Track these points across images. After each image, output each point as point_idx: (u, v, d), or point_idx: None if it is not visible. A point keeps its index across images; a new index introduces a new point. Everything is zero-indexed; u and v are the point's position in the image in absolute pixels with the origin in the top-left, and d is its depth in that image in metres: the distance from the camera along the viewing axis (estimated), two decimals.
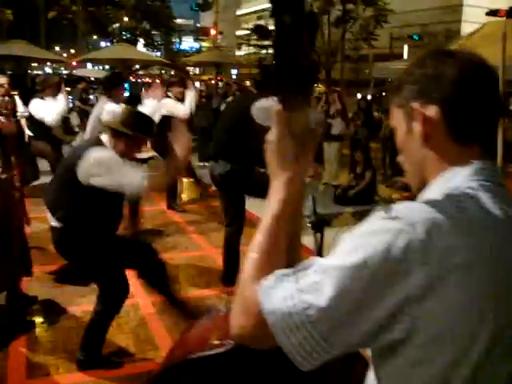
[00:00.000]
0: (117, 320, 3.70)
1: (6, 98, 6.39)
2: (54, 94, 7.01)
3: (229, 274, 4.68)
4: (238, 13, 67.46)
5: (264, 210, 1.08)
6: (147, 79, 23.04)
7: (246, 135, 4.58)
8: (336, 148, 9.13)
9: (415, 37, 31.91)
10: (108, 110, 5.26)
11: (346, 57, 20.54)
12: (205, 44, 48.62)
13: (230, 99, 9.20)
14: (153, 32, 28.78)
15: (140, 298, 4.45)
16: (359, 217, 7.56)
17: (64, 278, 4.92)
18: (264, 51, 40.91)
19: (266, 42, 41.43)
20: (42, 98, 7.10)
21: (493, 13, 25.13)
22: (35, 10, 23.27)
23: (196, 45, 52.79)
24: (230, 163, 4.62)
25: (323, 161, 9.47)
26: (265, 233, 1.05)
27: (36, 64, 27.00)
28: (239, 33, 52.31)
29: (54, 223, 3.26)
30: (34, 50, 14.65)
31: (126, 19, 26.28)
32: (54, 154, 7.06)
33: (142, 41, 27.41)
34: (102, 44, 47.90)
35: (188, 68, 33.15)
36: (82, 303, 4.42)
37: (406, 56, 36.42)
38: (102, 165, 3.03)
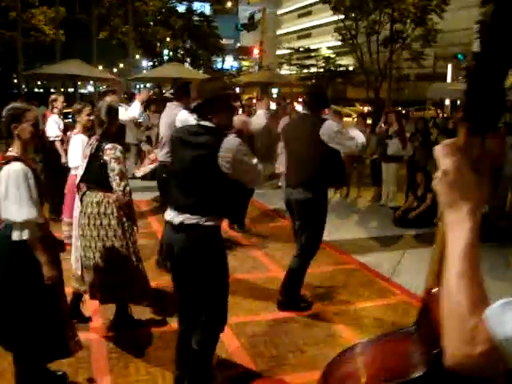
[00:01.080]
0: None
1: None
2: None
3: (288, 299, 4.68)
4: (278, 32, 68.13)
5: (450, 243, 1.06)
6: None
7: (321, 161, 4.59)
8: (394, 169, 8.99)
9: (460, 56, 31.57)
10: (181, 118, 5.36)
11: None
12: (245, 63, 49.07)
13: (287, 120, 9.14)
14: (199, 52, 29.20)
15: None
16: (421, 239, 7.41)
17: None
18: (305, 70, 41.19)
19: (308, 62, 41.77)
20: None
21: None
22: (86, 30, 24.01)
23: (236, 64, 53.29)
24: (310, 191, 4.61)
25: (381, 182, 9.37)
26: (469, 263, 1.04)
27: (79, 82, 27.74)
28: (280, 52, 52.75)
29: (190, 220, 3.05)
30: (91, 69, 15.04)
31: (168, 39, 26.84)
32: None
33: (188, 60, 27.84)
34: (144, 63, 49.03)
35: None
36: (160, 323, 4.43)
37: (449, 76, 36.12)
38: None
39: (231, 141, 2.96)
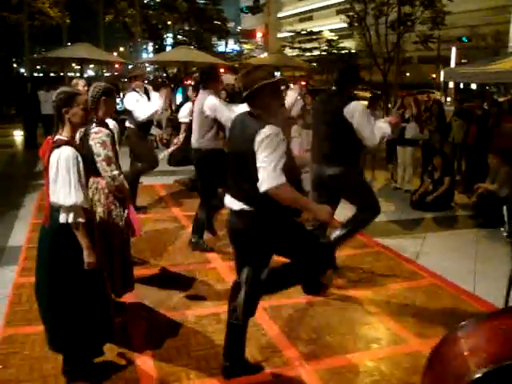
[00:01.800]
0: None
1: None
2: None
3: None
4: (279, 15, 67.52)
5: None
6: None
7: (347, 136, 4.70)
8: (410, 153, 8.98)
9: (464, 39, 31.40)
10: (209, 103, 5.35)
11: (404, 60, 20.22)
12: (247, 46, 48.79)
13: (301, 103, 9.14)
14: (204, 35, 28.98)
15: None
16: (439, 223, 7.44)
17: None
18: (308, 53, 40.93)
19: (309, 45, 41.51)
20: (134, 90, 7.14)
21: None
22: (91, 13, 23.74)
23: (237, 47, 52.90)
24: (341, 165, 4.71)
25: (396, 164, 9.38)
26: None
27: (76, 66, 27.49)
28: (281, 35, 52.37)
29: (243, 206, 3.14)
30: (100, 53, 14.94)
31: (171, 22, 26.61)
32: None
33: (192, 43, 27.62)
34: (145, 47, 48.58)
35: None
36: (194, 307, 4.46)
37: (453, 58, 35.92)
38: None
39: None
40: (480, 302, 4.73)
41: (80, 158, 3.05)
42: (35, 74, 49.82)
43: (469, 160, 9.30)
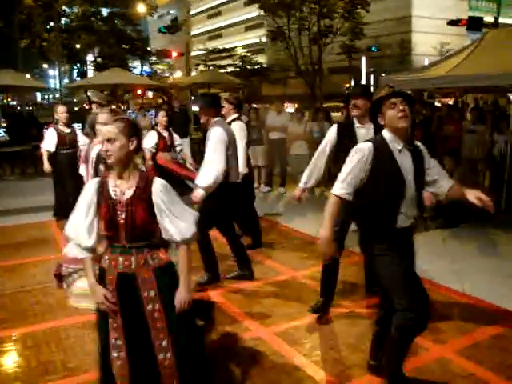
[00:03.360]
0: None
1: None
2: None
3: None
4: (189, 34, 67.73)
5: None
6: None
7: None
8: None
9: (373, 49, 32.83)
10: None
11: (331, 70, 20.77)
12: (160, 67, 48.10)
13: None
14: (126, 56, 28.35)
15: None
16: None
17: None
18: (222, 70, 41.18)
19: (223, 62, 41.81)
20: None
21: (454, 22, 26.18)
22: (8, 38, 22.48)
23: (146, 68, 52.04)
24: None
25: None
26: None
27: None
28: (193, 53, 52.34)
29: None
30: (23, 79, 14.15)
31: (92, 45, 25.85)
32: None
33: (110, 65, 26.95)
34: (51, 72, 46.72)
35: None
36: None
37: (364, 68, 37.44)
38: None
39: None
40: (474, 300, 4.85)
41: None
42: None
43: None
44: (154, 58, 39.29)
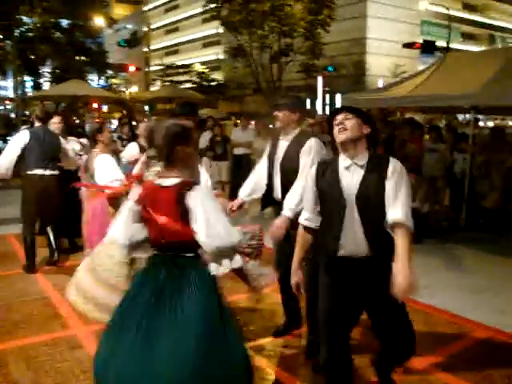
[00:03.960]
0: None
1: None
2: None
3: None
4: (146, 49, 67.27)
5: None
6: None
7: None
8: None
9: (330, 68, 33.41)
10: None
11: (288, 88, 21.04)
12: (115, 81, 47.54)
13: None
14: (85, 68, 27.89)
15: None
16: None
17: None
18: (181, 86, 41.06)
19: (181, 78, 41.74)
20: None
21: (409, 45, 27.15)
22: None
23: (102, 81, 51.35)
24: None
25: None
26: None
27: None
28: (151, 68, 52.03)
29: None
30: None
31: (52, 56, 25.29)
32: None
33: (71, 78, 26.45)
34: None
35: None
36: None
37: (320, 87, 38.07)
38: None
39: None
40: (445, 314, 4.96)
41: None
42: None
43: None
44: (110, 72, 38.69)
